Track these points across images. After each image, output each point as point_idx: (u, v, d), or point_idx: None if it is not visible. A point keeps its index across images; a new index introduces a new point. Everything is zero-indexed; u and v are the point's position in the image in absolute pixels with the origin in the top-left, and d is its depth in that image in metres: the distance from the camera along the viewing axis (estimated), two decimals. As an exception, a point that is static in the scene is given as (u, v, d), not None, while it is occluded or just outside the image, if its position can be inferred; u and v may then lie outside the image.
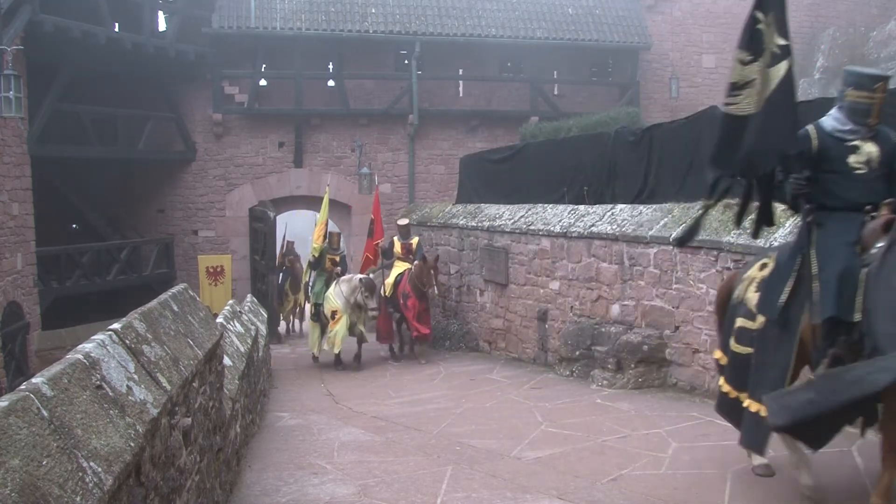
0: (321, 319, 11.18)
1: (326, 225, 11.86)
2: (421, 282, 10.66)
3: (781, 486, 4.44)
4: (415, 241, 11.76)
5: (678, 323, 7.50)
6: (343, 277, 11.10)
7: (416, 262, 11.14)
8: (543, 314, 9.70)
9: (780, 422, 3.69)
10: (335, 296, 10.79)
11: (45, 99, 13.02)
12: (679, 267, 7.47)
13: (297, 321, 15.88)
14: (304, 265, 15.08)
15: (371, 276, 11.40)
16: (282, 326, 15.61)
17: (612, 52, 17.72)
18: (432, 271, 10.67)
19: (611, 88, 18.16)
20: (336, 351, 10.64)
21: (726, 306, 4.68)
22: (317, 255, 11.43)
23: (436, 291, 10.85)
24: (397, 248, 11.72)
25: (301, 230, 16.42)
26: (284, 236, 15.77)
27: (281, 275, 15.34)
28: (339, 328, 10.57)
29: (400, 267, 11.49)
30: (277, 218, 16.04)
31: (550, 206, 10.29)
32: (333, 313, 10.69)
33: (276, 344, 13.96)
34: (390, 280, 11.42)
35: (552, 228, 9.61)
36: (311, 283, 12.91)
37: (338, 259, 11.65)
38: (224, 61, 15.94)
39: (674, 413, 6.42)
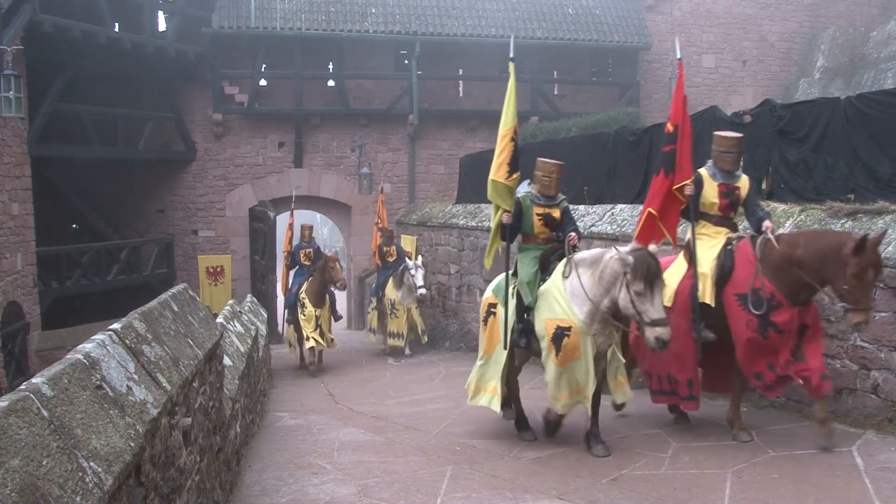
0: (529, 341, 5.64)
1: (516, 140, 5.69)
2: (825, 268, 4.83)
3: (781, 486, 4.44)
4: (744, 181, 5.79)
5: (678, 323, 7.48)
6: (579, 256, 5.50)
7: (767, 224, 5.35)
8: (543, 314, 9.66)
9: None
10: (570, 295, 5.37)
11: (45, 99, 13.03)
12: (679, 267, 7.45)
13: (317, 349, 10.79)
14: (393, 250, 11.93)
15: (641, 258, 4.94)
16: (289, 349, 11.88)
17: (611, 52, 17.72)
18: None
19: (611, 88, 18.16)
20: (590, 408, 5.46)
21: None
22: (505, 204, 5.64)
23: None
24: (710, 193, 5.77)
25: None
26: (292, 213, 12.57)
27: (293, 275, 11.72)
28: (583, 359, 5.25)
29: (715, 237, 5.72)
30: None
31: (550, 206, 10.28)
32: (562, 332, 5.27)
33: (276, 344, 13.97)
34: (707, 269, 5.50)
35: (552, 228, 9.60)
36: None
37: (557, 215, 5.89)
38: (224, 61, 15.94)
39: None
